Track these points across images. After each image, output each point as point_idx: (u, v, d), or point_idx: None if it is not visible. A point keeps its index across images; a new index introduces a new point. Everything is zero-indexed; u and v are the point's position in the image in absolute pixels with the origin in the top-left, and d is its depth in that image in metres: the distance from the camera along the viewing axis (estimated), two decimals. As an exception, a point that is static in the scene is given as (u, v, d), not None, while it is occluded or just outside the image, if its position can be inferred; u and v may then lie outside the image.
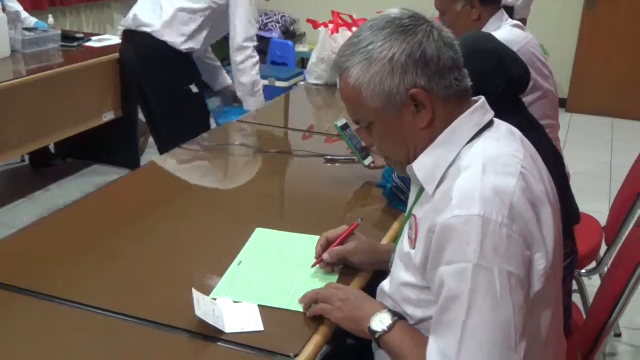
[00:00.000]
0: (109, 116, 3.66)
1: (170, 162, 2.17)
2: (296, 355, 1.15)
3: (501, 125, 1.15)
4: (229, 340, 1.19)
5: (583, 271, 2.25)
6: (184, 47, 2.85)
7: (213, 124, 3.33)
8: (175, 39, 2.83)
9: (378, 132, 1.15)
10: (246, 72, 2.91)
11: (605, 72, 5.44)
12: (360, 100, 1.11)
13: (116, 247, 1.56)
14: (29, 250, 1.51)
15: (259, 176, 2.06)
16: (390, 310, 1.16)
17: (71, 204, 1.84)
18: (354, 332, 1.20)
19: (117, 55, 3.32)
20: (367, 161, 1.90)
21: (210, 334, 1.19)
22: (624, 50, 5.38)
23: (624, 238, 1.95)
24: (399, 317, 1.14)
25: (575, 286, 2.26)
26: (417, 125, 1.10)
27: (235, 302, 1.30)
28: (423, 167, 1.11)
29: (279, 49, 5.33)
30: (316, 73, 3.11)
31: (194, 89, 2.95)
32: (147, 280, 1.41)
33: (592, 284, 2.22)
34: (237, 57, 2.88)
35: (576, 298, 2.20)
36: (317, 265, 1.41)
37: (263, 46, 5.70)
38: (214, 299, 1.29)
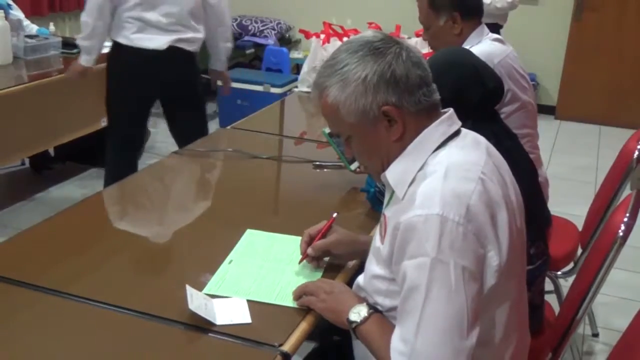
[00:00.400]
0: (106, 121, 3.74)
1: (166, 167, 2.27)
2: (280, 345, 1.25)
3: (468, 135, 1.26)
4: (219, 331, 1.29)
5: (559, 272, 2.35)
6: None
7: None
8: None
9: (355, 144, 1.26)
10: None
11: (592, 80, 5.59)
12: (338, 117, 1.22)
13: (115, 246, 1.66)
14: (33, 248, 1.61)
15: (250, 180, 2.14)
16: (367, 304, 1.27)
17: (72, 206, 1.92)
18: (334, 322, 1.31)
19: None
20: (354, 166, 1.99)
21: (202, 326, 1.29)
22: (610, 60, 5.53)
23: (595, 241, 2.05)
24: (374, 310, 1.25)
25: (552, 287, 2.37)
26: (390, 138, 1.21)
27: (225, 297, 1.40)
28: (394, 173, 1.22)
29: (273, 56, 5.41)
30: (308, 82, 3.22)
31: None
32: (144, 276, 1.52)
33: (569, 285, 2.32)
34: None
35: (552, 298, 2.31)
36: (303, 262, 1.51)
37: (258, 52, 5.83)
38: (206, 294, 1.39)
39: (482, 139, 1.28)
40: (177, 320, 1.31)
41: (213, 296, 1.39)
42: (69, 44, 3.74)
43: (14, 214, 3.52)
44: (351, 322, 1.25)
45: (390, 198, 1.27)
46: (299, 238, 1.57)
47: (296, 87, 3.54)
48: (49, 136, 3.47)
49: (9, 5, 3.64)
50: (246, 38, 6.00)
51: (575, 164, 4.58)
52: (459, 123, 1.26)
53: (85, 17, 2.89)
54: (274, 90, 4.75)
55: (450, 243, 1.07)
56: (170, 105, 3.15)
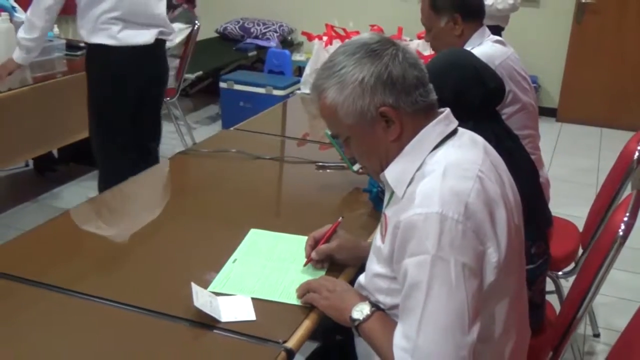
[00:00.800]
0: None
1: (170, 168, 2.29)
2: (284, 341, 1.27)
3: (464, 134, 1.27)
4: (224, 328, 1.31)
5: (560, 273, 2.37)
6: None
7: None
8: None
9: (354, 145, 1.28)
10: None
11: (593, 83, 5.60)
12: (336, 118, 1.24)
13: (120, 245, 1.68)
14: (39, 248, 1.63)
15: (254, 181, 2.16)
16: (370, 302, 1.28)
17: (76, 206, 1.95)
18: (337, 320, 1.32)
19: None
20: (356, 167, 1.99)
21: (207, 323, 1.31)
22: (610, 62, 5.54)
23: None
24: (377, 308, 1.27)
25: (553, 287, 2.39)
26: (387, 138, 1.23)
27: (230, 294, 1.42)
28: (393, 173, 1.24)
29: (276, 58, 5.43)
30: (310, 84, 3.22)
31: None
32: (151, 274, 1.53)
33: (569, 285, 2.33)
34: None
35: (554, 298, 2.32)
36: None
37: (261, 55, 5.85)
38: (211, 292, 1.41)
39: (479, 138, 1.30)
40: (182, 317, 1.33)
41: (218, 294, 1.41)
42: (72, 46, 3.78)
43: (18, 215, 3.53)
44: (354, 320, 1.26)
45: (390, 197, 1.28)
46: (302, 237, 1.59)
47: (298, 89, 3.56)
48: (53, 138, 3.48)
49: (13, 7, 3.67)
50: (248, 40, 6.02)
51: (576, 166, 4.60)
52: (456, 122, 1.28)
53: (33, 17, 2.79)
54: (276, 92, 4.77)
55: (450, 240, 1.09)
56: (139, 105, 3.05)
